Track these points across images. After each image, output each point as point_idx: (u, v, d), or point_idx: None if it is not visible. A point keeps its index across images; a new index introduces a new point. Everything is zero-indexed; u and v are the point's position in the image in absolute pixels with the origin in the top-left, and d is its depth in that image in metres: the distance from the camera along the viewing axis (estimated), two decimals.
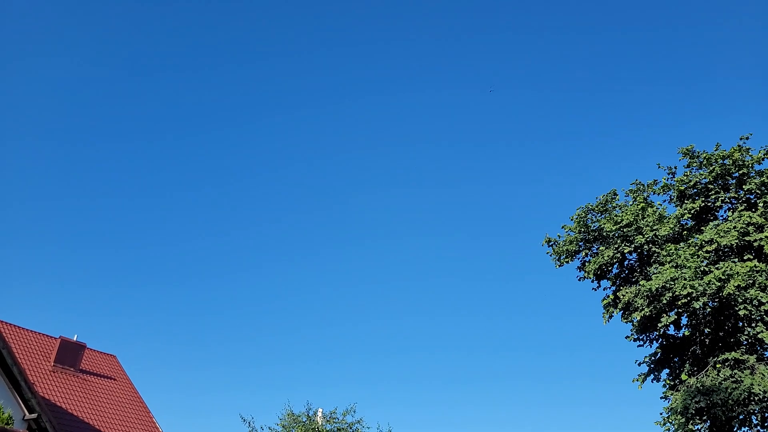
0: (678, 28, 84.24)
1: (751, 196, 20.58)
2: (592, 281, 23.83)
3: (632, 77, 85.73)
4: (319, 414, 23.05)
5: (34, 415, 19.06)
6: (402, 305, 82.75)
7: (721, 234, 19.56)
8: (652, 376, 21.95)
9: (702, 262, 19.04)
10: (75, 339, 25.92)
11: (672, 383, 20.67)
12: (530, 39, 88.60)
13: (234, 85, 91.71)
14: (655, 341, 22.29)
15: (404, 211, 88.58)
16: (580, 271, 24.15)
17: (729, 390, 17.48)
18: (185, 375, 69.32)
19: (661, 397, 21.13)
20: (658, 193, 23.02)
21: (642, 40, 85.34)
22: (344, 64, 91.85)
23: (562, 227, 23.96)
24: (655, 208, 21.88)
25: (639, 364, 22.53)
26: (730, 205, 21.43)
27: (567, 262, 24.02)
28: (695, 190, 21.85)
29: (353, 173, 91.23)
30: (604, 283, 23.71)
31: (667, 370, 21.48)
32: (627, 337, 22.60)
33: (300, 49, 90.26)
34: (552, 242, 24.12)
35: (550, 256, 24.38)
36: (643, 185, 23.39)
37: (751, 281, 17.77)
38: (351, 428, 22.75)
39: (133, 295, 77.80)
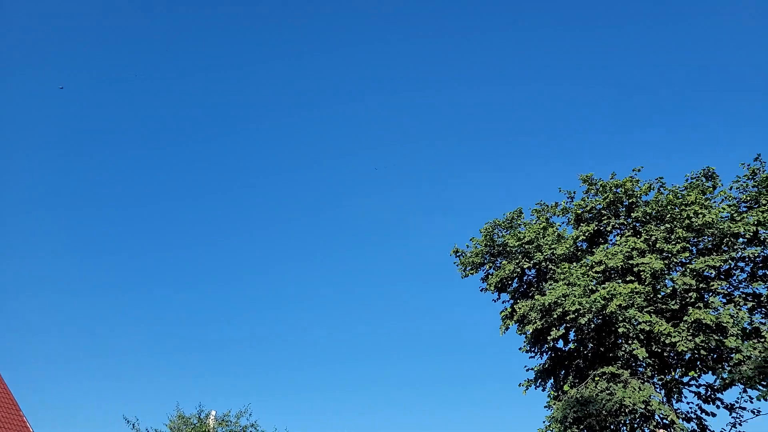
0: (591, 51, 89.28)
1: (638, 224, 22.33)
2: (493, 293, 25.01)
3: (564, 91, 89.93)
4: (212, 416, 22.63)
5: None
6: (300, 307, 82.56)
7: (609, 256, 21.12)
8: (537, 384, 23.23)
9: (591, 281, 20.45)
10: None
11: (556, 394, 22.01)
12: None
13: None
14: (545, 353, 23.66)
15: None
16: (483, 283, 25.25)
17: (603, 401, 18.88)
18: (64, 372, 65.36)
19: (545, 406, 22.48)
20: (558, 215, 24.51)
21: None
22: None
23: (471, 239, 25.01)
24: (555, 228, 23.29)
25: (527, 370, 23.84)
26: (619, 231, 23.15)
27: (472, 273, 25.08)
28: (590, 215, 23.45)
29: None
30: (504, 296, 24.95)
31: (551, 381, 22.83)
32: (520, 348, 23.87)
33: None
34: (459, 253, 25.11)
35: (457, 266, 25.38)
36: (547, 206, 24.83)
37: (631, 302, 19.29)
38: (245, 431, 22.52)
39: (6, 281, 73.11)
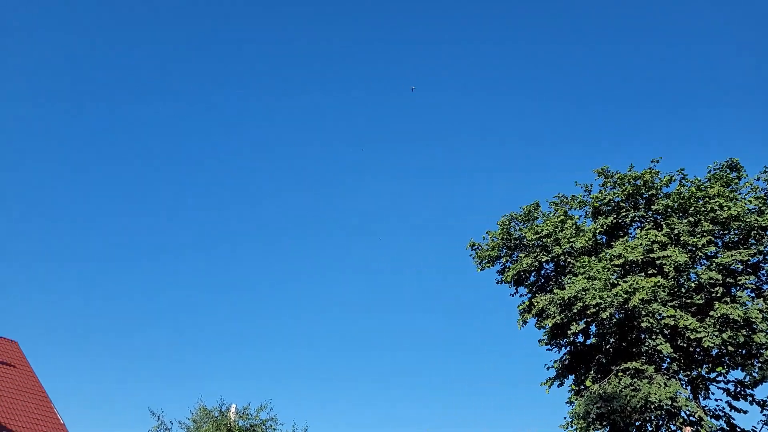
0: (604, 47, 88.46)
1: (658, 217, 21.97)
2: (510, 286, 24.72)
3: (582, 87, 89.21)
4: (232, 410, 22.65)
5: None
6: (316, 303, 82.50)
7: (629, 250, 20.76)
8: (558, 381, 22.99)
9: (612, 275, 20.13)
10: None
11: (577, 389, 21.74)
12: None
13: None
14: (564, 348, 23.40)
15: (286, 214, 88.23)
16: (499, 275, 24.97)
17: (628, 397, 18.59)
18: (92, 367, 66.10)
19: (566, 402, 22.24)
20: (576, 208, 24.16)
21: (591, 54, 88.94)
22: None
23: (487, 232, 24.70)
24: (573, 221, 22.95)
25: (548, 368, 23.58)
26: (639, 224, 22.80)
27: (488, 266, 24.77)
28: (609, 208, 23.09)
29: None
30: (521, 289, 24.64)
31: (572, 377, 22.56)
32: (540, 341, 23.61)
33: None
34: (476, 246, 24.81)
35: (473, 259, 25.07)
36: (566, 198, 24.47)
37: (654, 296, 18.97)
38: (264, 425, 22.47)
39: (36, 281, 73.34)
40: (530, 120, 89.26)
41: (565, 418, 20.80)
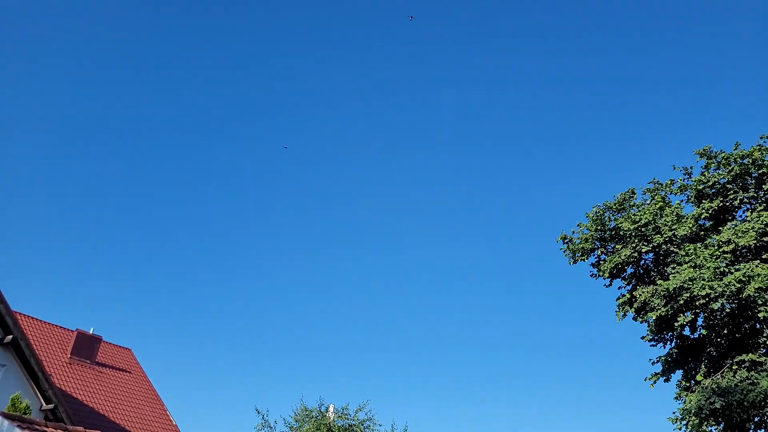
0: (691, 29, 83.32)
1: None
2: (605, 279, 23.72)
3: (646, 78, 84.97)
4: (331, 410, 23.11)
5: (50, 406, 19.26)
6: (415, 304, 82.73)
7: (739, 234, 19.39)
8: (664, 376, 21.83)
9: (721, 262, 18.87)
10: (91, 332, 26.15)
11: (687, 384, 20.54)
12: (538, 41, 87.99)
13: (235, 85, 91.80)
14: (669, 342, 22.18)
15: (409, 213, 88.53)
16: (594, 269, 24.04)
17: (745, 392, 17.35)
18: (199, 370, 69.96)
19: (675, 398, 21.06)
20: (675, 193, 22.84)
21: (656, 39, 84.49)
22: (346, 65, 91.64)
23: (578, 225, 23.85)
24: (673, 208, 21.71)
25: (653, 363, 22.44)
26: (749, 206, 21.22)
27: (582, 259, 23.88)
28: (713, 190, 21.65)
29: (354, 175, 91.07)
30: (617, 282, 23.60)
31: (680, 371, 21.35)
32: (643, 337, 22.52)
33: (300, 51, 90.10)
34: (567, 239, 24.01)
35: (564, 252, 24.27)
36: (661, 184, 23.21)
37: None
38: (363, 425, 22.74)
39: (148, 291, 78.44)
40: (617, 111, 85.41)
41: (674, 413, 19.69)
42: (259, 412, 22.05)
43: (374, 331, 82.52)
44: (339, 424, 22.88)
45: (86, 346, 25.55)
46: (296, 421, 22.31)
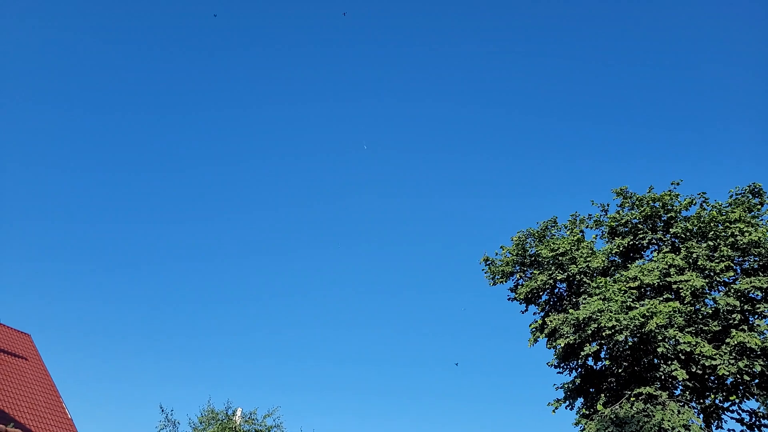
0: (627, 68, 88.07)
1: (676, 240, 21.72)
2: (521, 303, 24.49)
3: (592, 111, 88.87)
4: (238, 413, 22.65)
5: None
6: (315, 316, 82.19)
7: (645, 273, 20.51)
8: (566, 402, 22.67)
9: (628, 298, 19.89)
10: None
11: (587, 412, 21.43)
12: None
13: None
14: (574, 370, 23.10)
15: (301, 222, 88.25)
16: (512, 293, 24.76)
17: (641, 423, 18.29)
18: (105, 364, 66.65)
19: (574, 424, 21.91)
20: (591, 228, 23.97)
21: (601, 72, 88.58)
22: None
23: (501, 247, 24.51)
24: (587, 243, 22.75)
25: (557, 389, 23.26)
26: (656, 246, 22.55)
27: (501, 282, 24.54)
28: (626, 229, 22.87)
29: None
30: (532, 308, 24.41)
31: (581, 399, 22.25)
32: (548, 363, 23.32)
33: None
34: (489, 261, 24.64)
35: (486, 274, 24.89)
36: (581, 217, 24.30)
37: (670, 321, 18.70)
38: (269, 431, 22.44)
39: (58, 279, 74.15)
40: (547, 135, 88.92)
41: None
42: (163, 410, 21.42)
43: (285, 339, 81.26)
44: (245, 429, 22.44)
45: None
46: (201, 423, 21.73)
